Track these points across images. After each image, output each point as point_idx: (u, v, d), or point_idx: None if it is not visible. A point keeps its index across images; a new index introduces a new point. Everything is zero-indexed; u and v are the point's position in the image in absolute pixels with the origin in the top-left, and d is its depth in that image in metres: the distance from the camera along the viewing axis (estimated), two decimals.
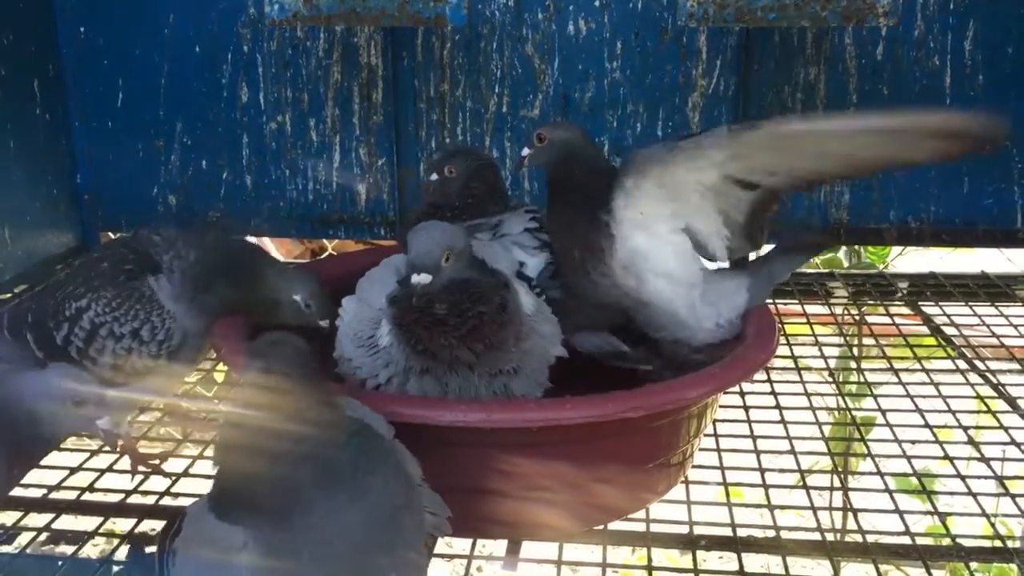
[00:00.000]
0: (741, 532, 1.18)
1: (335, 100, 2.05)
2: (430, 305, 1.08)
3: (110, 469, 1.35)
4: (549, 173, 1.38)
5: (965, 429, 1.42)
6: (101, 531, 1.24)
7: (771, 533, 1.19)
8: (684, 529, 1.19)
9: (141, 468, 1.34)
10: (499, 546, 1.17)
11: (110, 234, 2.27)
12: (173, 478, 1.31)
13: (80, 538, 1.21)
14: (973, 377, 1.58)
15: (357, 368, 1.16)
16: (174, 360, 1.29)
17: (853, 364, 1.80)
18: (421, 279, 1.08)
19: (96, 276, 1.28)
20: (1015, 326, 1.77)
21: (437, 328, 1.09)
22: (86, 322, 1.26)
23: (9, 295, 1.89)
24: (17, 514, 1.25)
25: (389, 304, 1.13)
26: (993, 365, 1.62)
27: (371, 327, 1.16)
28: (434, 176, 1.50)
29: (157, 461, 1.35)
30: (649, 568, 1.13)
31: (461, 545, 1.19)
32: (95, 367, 1.26)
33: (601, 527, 1.18)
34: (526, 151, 1.39)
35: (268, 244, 2.89)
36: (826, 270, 2.25)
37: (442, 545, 1.16)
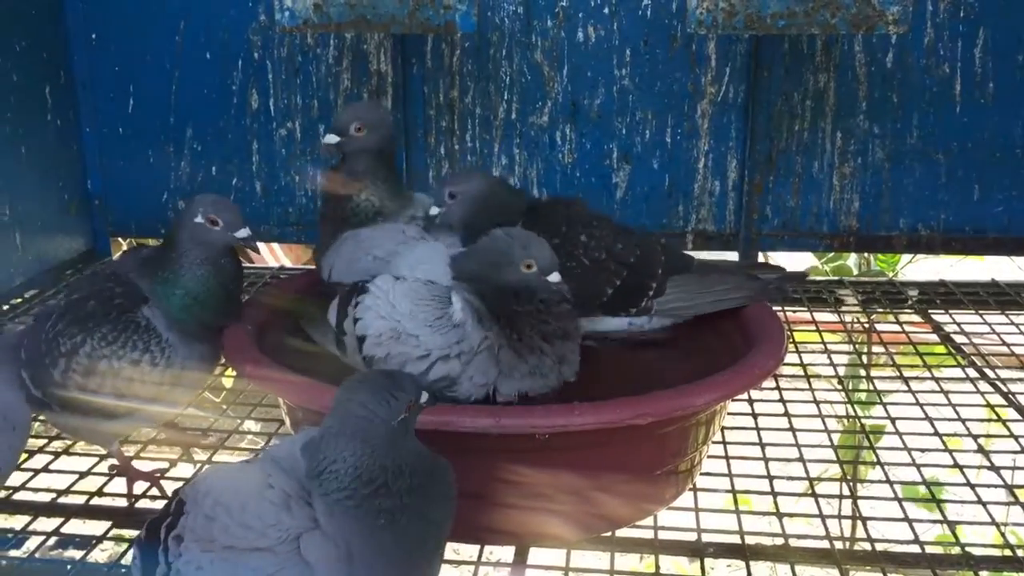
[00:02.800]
0: (749, 540, 1.17)
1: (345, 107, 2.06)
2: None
3: (119, 474, 1.35)
4: (466, 226, 1.35)
5: (975, 437, 1.41)
6: (110, 536, 1.25)
7: (779, 541, 1.18)
8: (692, 537, 1.19)
9: (140, 483, 1.33)
10: (506, 553, 1.17)
11: (120, 240, 2.28)
12: (182, 483, 1.31)
13: (88, 543, 1.21)
14: (983, 385, 1.57)
15: (417, 346, 1.16)
16: (175, 388, 1.28)
17: (862, 372, 1.79)
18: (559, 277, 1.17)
19: (87, 316, 1.25)
20: None
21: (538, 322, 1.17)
22: (83, 357, 1.23)
23: (19, 300, 1.90)
24: (26, 518, 1.26)
25: (502, 296, 1.17)
26: (1003, 373, 1.61)
27: (437, 305, 1.18)
28: (333, 138, 1.38)
29: (158, 475, 1.35)
30: (657, 575, 1.13)
31: (468, 552, 1.19)
32: (96, 401, 1.24)
33: (609, 534, 1.18)
34: (435, 210, 1.35)
35: (277, 249, 2.90)
36: (835, 278, 2.25)
37: (449, 551, 1.15)
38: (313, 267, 1.60)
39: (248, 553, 0.86)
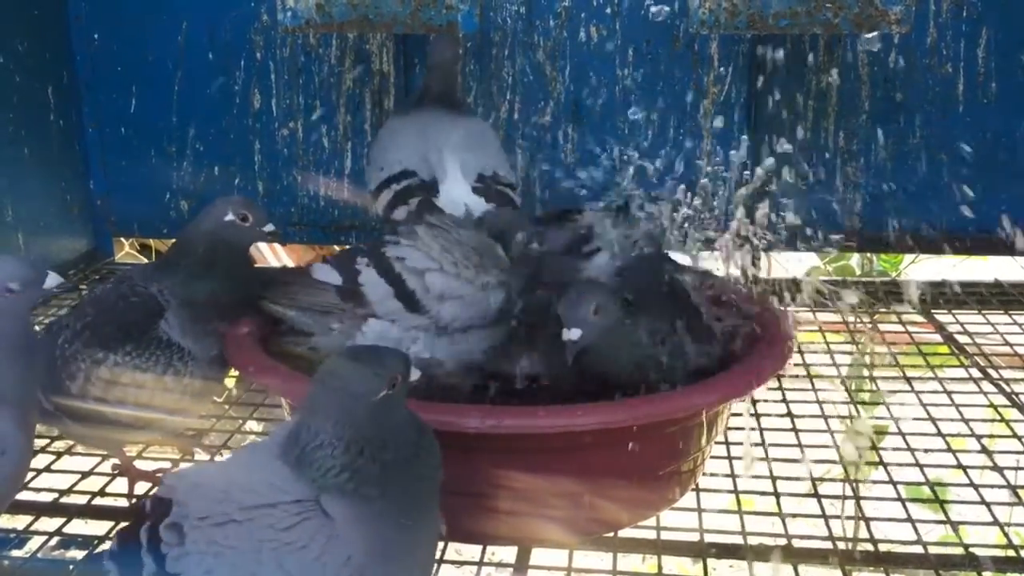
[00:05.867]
0: (752, 540, 1.17)
1: (347, 107, 2.06)
2: None
3: (121, 474, 1.35)
4: None
5: (978, 438, 1.41)
6: (111, 536, 1.25)
7: (782, 542, 1.18)
8: (695, 537, 1.18)
9: (141, 483, 1.33)
10: (509, 553, 1.17)
11: (122, 240, 2.29)
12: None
13: (90, 543, 1.21)
14: (986, 386, 1.57)
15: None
16: (197, 399, 1.29)
17: (865, 372, 1.79)
18: None
19: (109, 335, 1.26)
20: None
21: None
22: (104, 372, 1.23)
23: None
24: (28, 518, 1.26)
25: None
26: (1006, 374, 1.61)
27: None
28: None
29: (160, 475, 1.34)
30: None
31: (471, 552, 1.19)
32: (114, 414, 1.24)
33: (612, 534, 1.18)
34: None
35: (279, 250, 2.90)
36: (838, 278, 2.24)
37: (452, 552, 1.16)
38: None
39: (266, 508, 0.87)
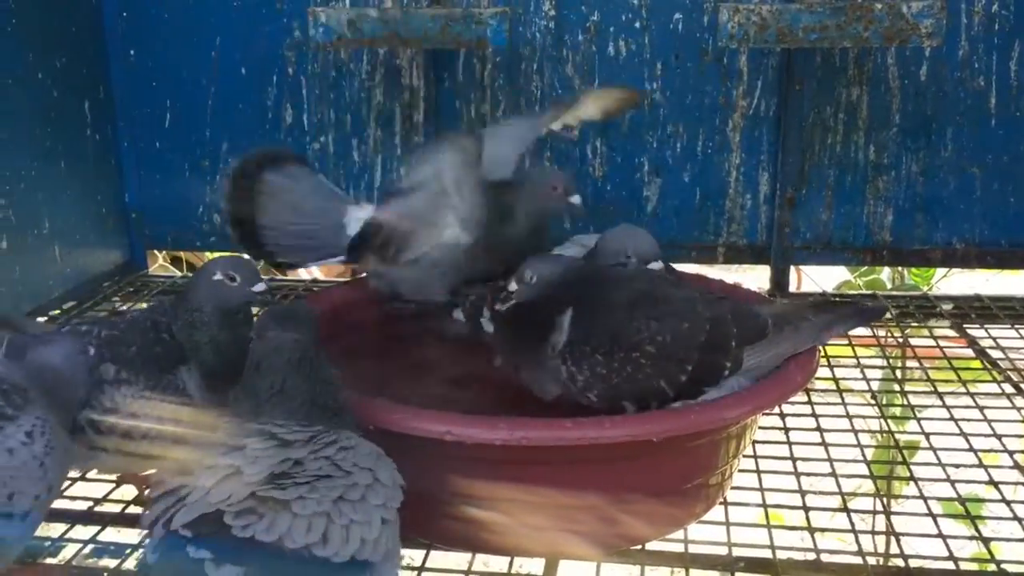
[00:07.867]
0: (780, 555, 1.17)
1: (377, 121, 2.08)
2: None
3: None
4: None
5: (1011, 454, 1.39)
6: (144, 544, 1.26)
7: (811, 556, 1.17)
8: (723, 551, 1.18)
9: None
10: (536, 565, 1.17)
11: (156, 252, 2.31)
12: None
13: (122, 551, 1.23)
14: (1019, 401, 1.55)
15: None
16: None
17: (896, 387, 1.77)
18: None
19: (126, 364, 1.22)
20: None
21: None
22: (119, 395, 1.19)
23: (58, 311, 1.93)
24: (63, 526, 1.27)
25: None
26: None
27: None
28: None
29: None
30: None
31: (498, 564, 1.19)
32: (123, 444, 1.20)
33: (639, 547, 1.18)
34: (513, 287, 1.29)
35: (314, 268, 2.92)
36: (869, 291, 2.23)
37: (479, 564, 1.16)
38: (347, 279, 1.63)
39: None
